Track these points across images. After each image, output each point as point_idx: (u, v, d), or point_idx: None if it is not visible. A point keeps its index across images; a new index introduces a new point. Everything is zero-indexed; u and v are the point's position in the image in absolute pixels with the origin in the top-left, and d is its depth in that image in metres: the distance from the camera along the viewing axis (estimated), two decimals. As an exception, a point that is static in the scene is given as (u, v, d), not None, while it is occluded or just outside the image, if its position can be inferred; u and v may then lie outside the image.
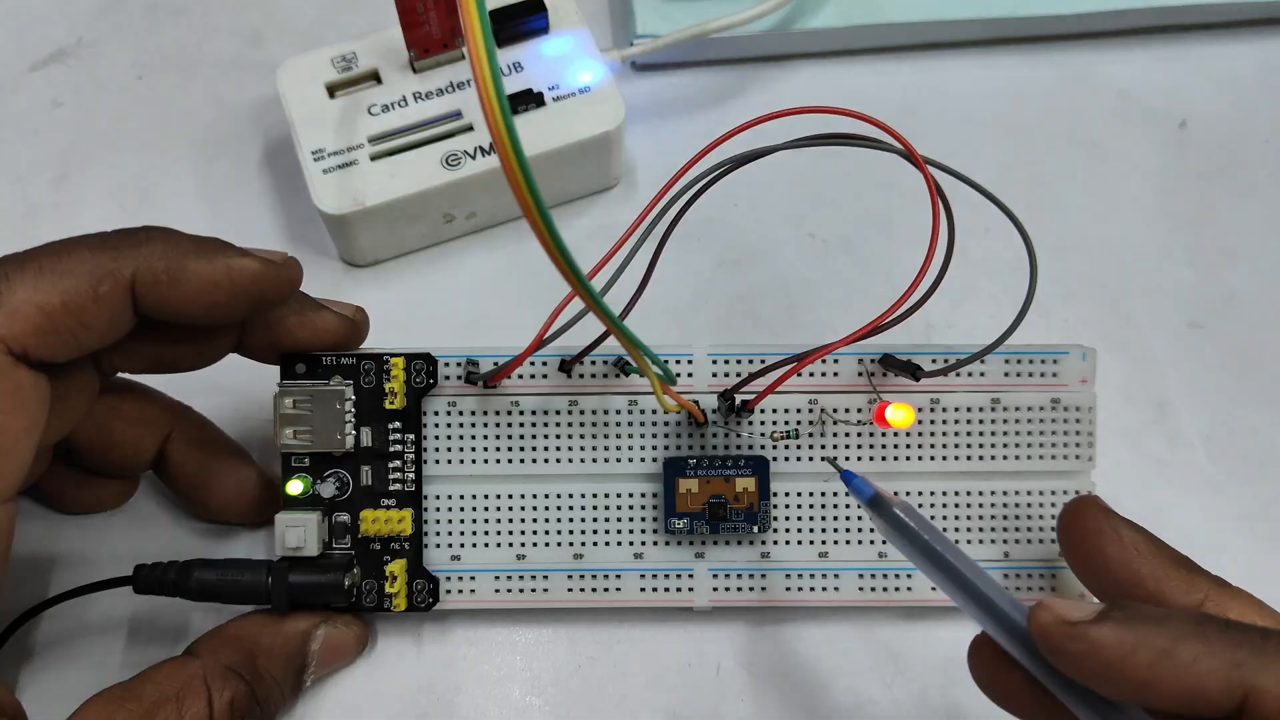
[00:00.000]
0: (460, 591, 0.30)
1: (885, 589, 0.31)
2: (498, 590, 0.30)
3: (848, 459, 0.31)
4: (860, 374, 0.30)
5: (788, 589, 0.30)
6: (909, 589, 0.31)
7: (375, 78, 0.36)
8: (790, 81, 0.41)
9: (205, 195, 0.39)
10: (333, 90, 0.36)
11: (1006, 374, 0.31)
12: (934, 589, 0.29)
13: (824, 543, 0.31)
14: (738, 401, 0.30)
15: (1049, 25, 0.41)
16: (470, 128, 0.35)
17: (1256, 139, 0.39)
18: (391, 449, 0.30)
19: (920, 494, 0.31)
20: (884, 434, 0.31)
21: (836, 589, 0.31)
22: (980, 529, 0.31)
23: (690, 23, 0.39)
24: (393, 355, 0.30)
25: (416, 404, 0.30)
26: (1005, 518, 0.31)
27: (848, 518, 0.31)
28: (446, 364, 0.31)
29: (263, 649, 0.29)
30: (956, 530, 0.31)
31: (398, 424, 0.30)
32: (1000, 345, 0.28)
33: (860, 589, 0.31)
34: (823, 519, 0.31)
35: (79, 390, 0.28)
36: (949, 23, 0.40)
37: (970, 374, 0.30)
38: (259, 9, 0.42)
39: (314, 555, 0.30)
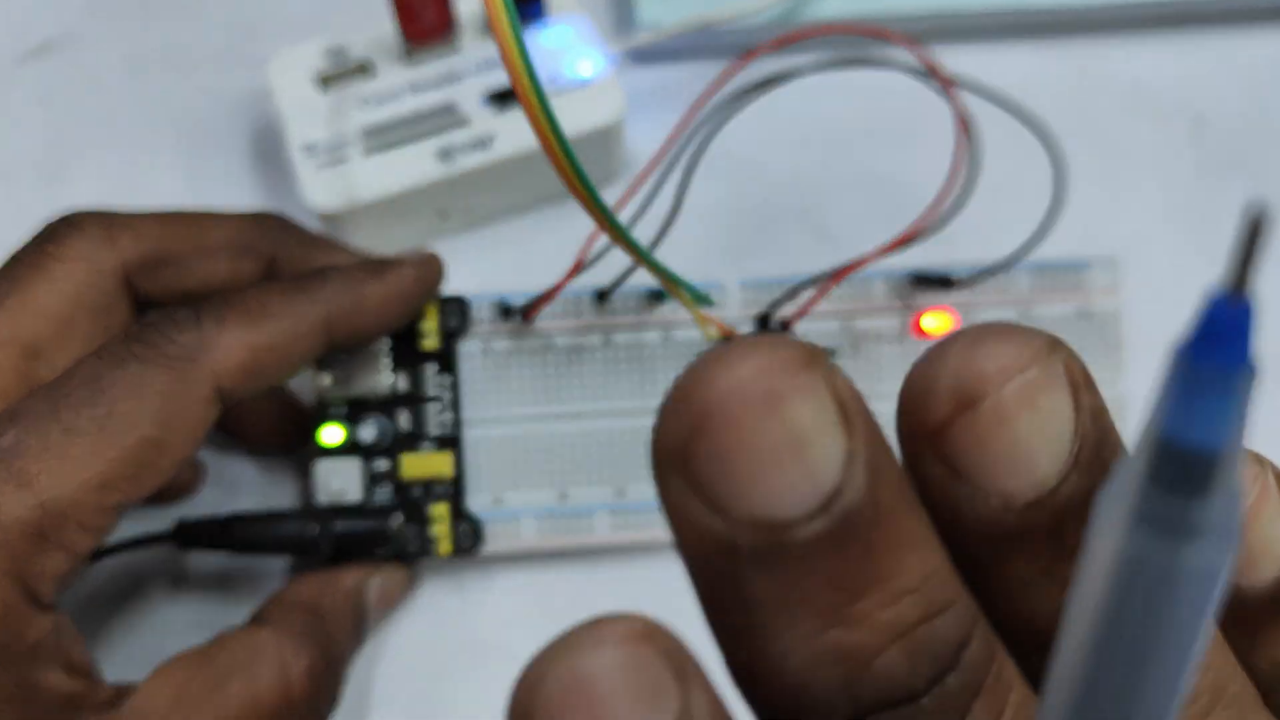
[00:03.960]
0: (504, 536, 0.30)
1: None
2: (541, 532, 0.30)
3: (882, 380, 0.30)
4: (897, 307, 0.31)
5: None
6: None
7: (369, 70, 0.36)
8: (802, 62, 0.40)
9: (195, 190, 0.38)
10: (325, 83, 0.35)
11: (1033, 288, 0.31)
12: None
13: None
14: (774, 322, 0.30)
15: (1059, 17, 0.40)
16: (466, 121, 0.35)
17: (1274, 134, 0.39)
18: (429, 393, 0.31)
19: None
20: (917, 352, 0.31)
21: None
22: None
23: (694, 12, 0.38)
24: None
25: (451, 346, 0.31)
26: None
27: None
28: (479, 308, 0.31)
29: (326, 610, 0.29)
30: None
31: (434, 366, 0.31)
32: (1030, 253, 0.29)
33: None
34: None
35: None
36: (958, 14, 0.39)
37: (998, 290, 0.31)
38: (250, 2, 0.41)
39: (356, 502, 0.30)
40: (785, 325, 0.30)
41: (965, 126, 0.27)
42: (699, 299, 0.28)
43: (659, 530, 0.30)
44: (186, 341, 0.25)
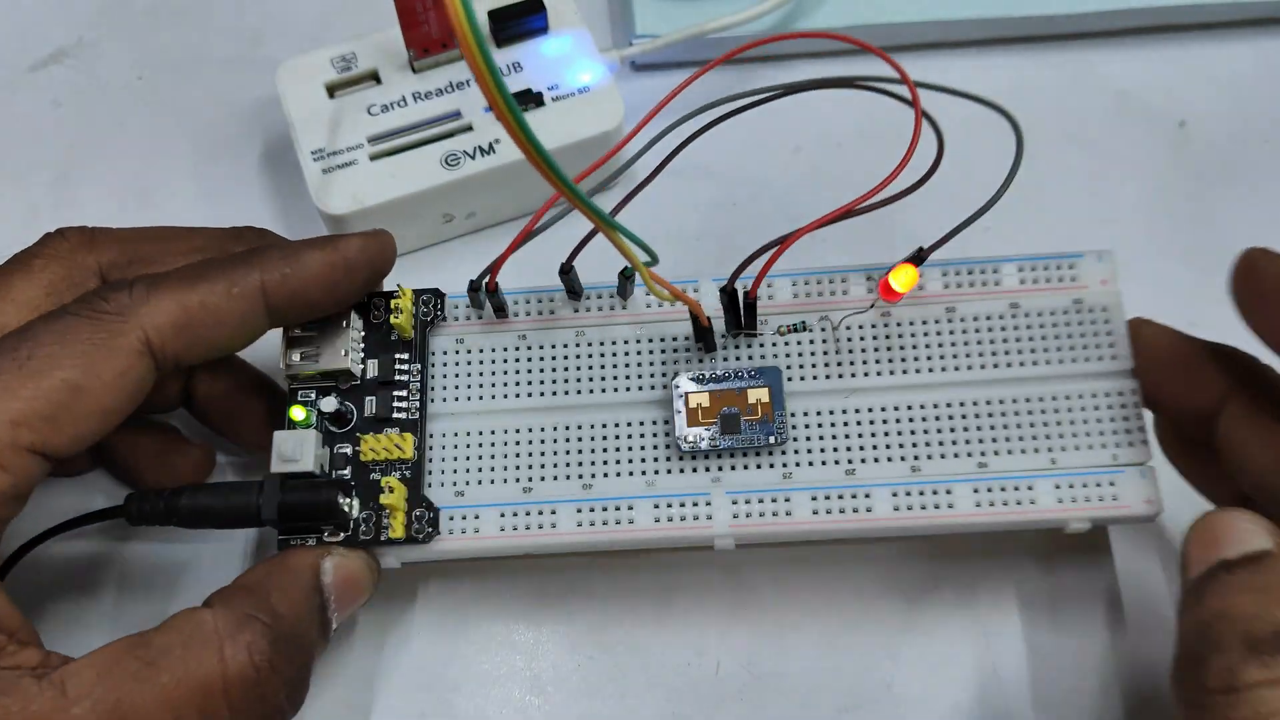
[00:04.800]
0: (464, 531, 0.29)
1: (924, 506, 0.29)
2: (503, 529, 0.29)
3: (866, 373, 0.30)
4: (870, 290, 0.30)
5: (814, 512, 0.29)
6: (950, 505, 0.29)
7: (375, 78, 0.36)
8: (789, 81, 0.40)
9: (205, 195, 0.39)
10: (332, 90, 0.36)
11: (1022, 280, 0.30)
12: (978, 504, 0.28)
13: (850, 461, 0.29)
14: (740, 293, 0.29)
15: (1047, 25, 0.41)
16: (470, 127, 0.35)
17: (1256, 139, 0.39)
18: (397, 378, 0.30)
19: (949, 405, 0.29)
20: (901, 345, 0.30)
21: (869, 509, 0.29)
22: (1019, 437, 0.29)
23: (690, 23, 0.39)
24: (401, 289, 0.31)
25: (423, 336, 0.31)
26: (1046, 424, 0.29)
27: (873, 434, 0.29)
28: (455, 305, 0.31)
29: (275, 588, 0.28)
30: (994, 441, 0.29)
31: (405, 355, 0.30)
32: (997, 202, 0.28)
33: (895, 508, 0.29)
34: (846, 436, 0.29)
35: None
36: (947, 22, 0.40)
37: (985, 283, 0.30)
38: (259, 9, 0.42)
39: (308, 471, 0.29)
40: (748, 296, 0.29)
41: (921, 122, 0.27)
42: (649, 258, 0.27)
43: (627, 528, 0.29)
44: (118, 299, 0.26)
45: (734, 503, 0.29)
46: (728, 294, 0.29)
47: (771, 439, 0.29)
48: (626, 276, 0.30)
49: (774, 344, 0.30)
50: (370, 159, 0.35)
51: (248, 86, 0.40)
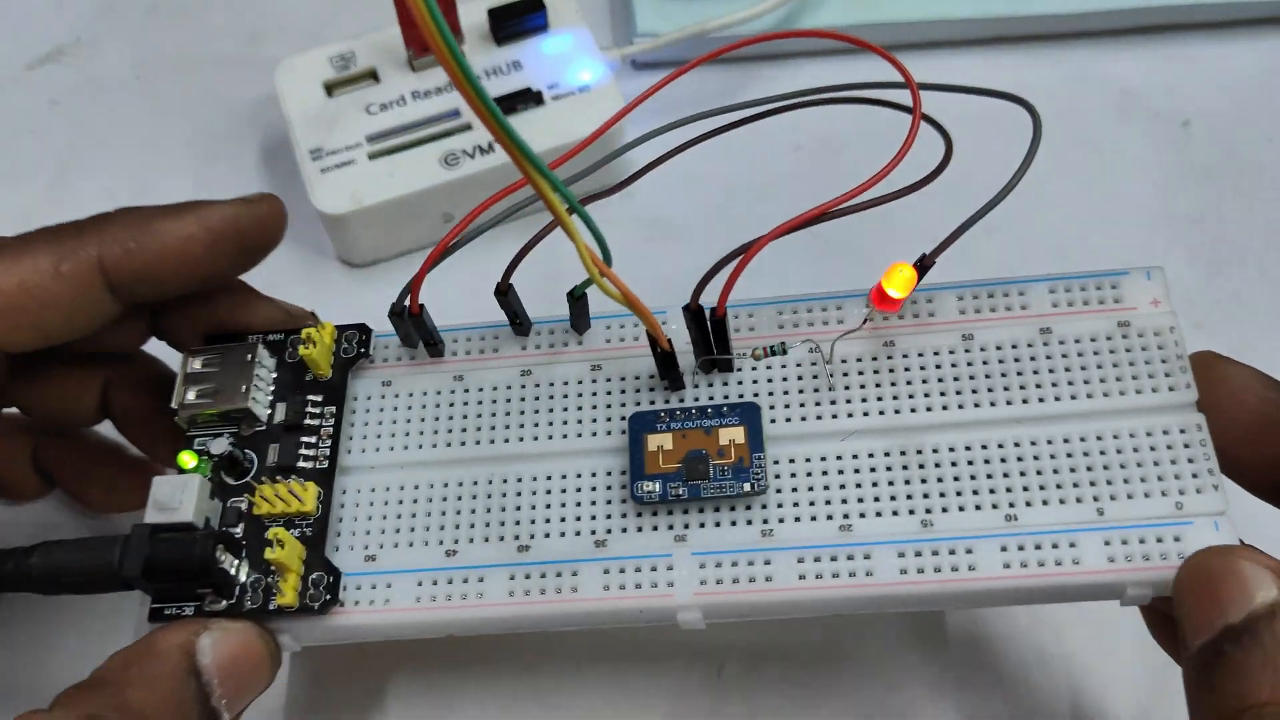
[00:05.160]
0: (371, 602, 0.24)
1: (938, 568, 0.23)
2: (419, 599, 0.24)
3: (866, 413, 0.25)
4: (867, 319, 0.26)
5: (800, 577, 0.24)
6: (970, 567, 0.23)
7: (373, 76, 0.36)
8: (792, 80, 0.40)
9: (203, 194, 0.38)
10: (331, 89, 0.36)
11: (1055, 304, 0.26)
12: (1007, 565, 0.23)
13: (845, 515, 0.24)
14: (705, 312, 0.25)
15: (1051, 24, 0.40)
16: (469, 126, 0.35)
17: (1260, 138, 0.39)
18: (307, 421, 0.26)
19: (968, 448, 0.25)
20: (908, 380, 0.25)
21: (869, 573, 0.23)
22: (1057, 485, 0.24)
23: (691, 21, 0.38)
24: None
25: (343, 376, 0.27)
26: (1089, 468, 0.24)
27: (874, 484, 0.24)
28: (386, 345, 0.27)
29: (134, 679, 0.22)
30: (1025, 490, 0.24)
31: (319, 396, 0.26)
32: (1010, 191, 0.25)
33: (903, 571, 0.23)
34: (841, 486, 0.25)
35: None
36: (950, 21, 0.40)
37: (1009, 307, 0.26)
38: (257, 8, 0.42)
39: (190, 523, 0.24)
40: (715, 312, 0.25)
41: (919, 125, 0.25)
42: (601, 249, 0.23)
43: (569, 596, 0.24)
44: None
45: (701, 566, 0.24)
46: (692, 313, 0.25)
47: (748, 486, 0.24)
48: (577, 297, 0.26)
49: (753, 379, 0.26)
50: (369, 158, 0.35)
51: (246, 85, 0.40)
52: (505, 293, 0.26)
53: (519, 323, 0.27)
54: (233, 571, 0.24)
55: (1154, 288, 0.26)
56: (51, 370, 0.28)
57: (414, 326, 0.26)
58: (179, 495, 0.24)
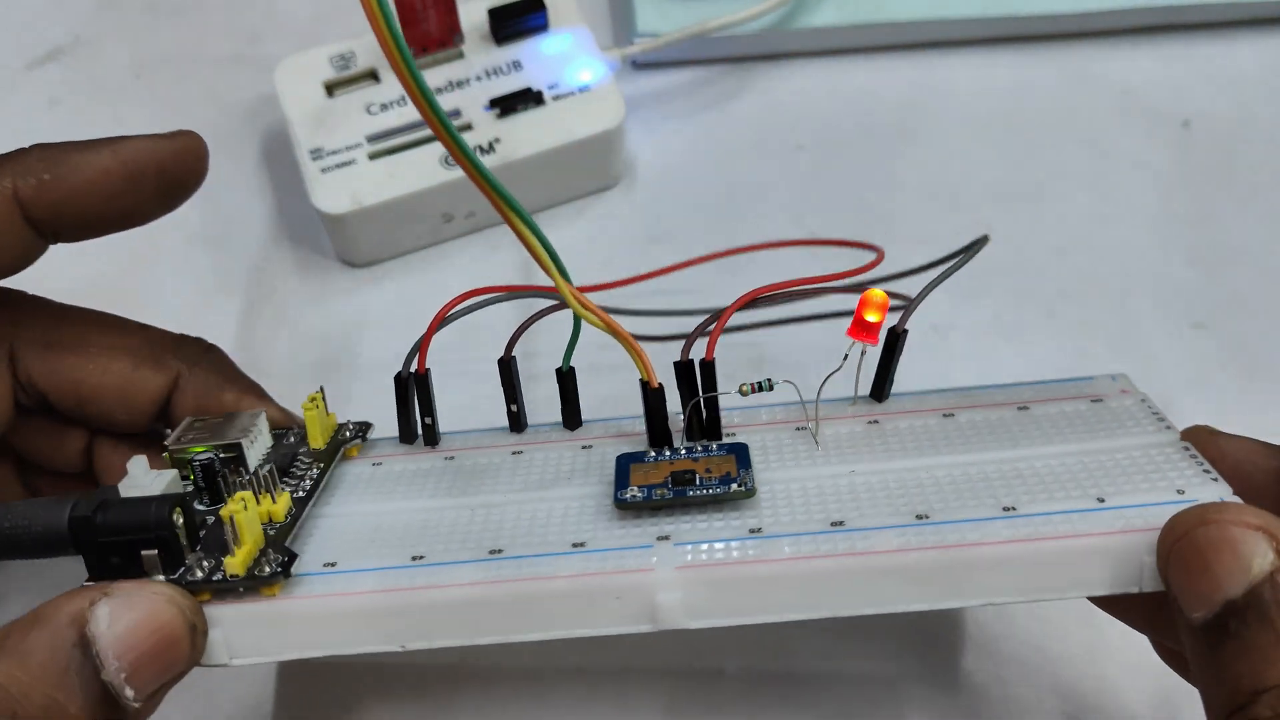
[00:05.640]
0: (325, 590, 0.22)
1: (937, 541, 0.22)
2: (378, 585, 0.22)
3: (853, 468, 0.24)
4: (847, 355, 0.25)
5: (790, 548, 0.22)
6: (969, 537, 0.22)
7: (373, 76, 0.36)
8: (791, 80, 0.40)
9: (202, 194, 0.38)
10: (331, 89, 0.36)
11: (1030, 396, 0.26)
12: (1011, 536, 0.21)
13: (839, 514, 0.23)
14: (695, 361, 0.24)
15: (1051, 24, 0.40)
16: (469, 126, 0.35)
17: (1260, 138, 0.39)
18: (292, 468, 0.26)
19: (965, 470, 0.24)
20: (897, 443, 0.25)
21: (864, 544, 0.22)
22: (1054, 485, 0.23)
23: (691, 21, 0.38)
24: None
25: (334, 451, 0.26)
26: (1086, 473, 0.23)
27: (868, 491, 0.24)
28: (381, 442, 0.27)
29: (9, 652, 0.20)
30: (1025, 492, 0.23)
31: (309, 458, 0.26)
32: (947, 277, 0.25)
33: (900, 539, 0.22)
34: (835, 496, 0.23)
35: None
36: (950, 21, 0.40)
37: (987, 402, 0.26)
38: (256, 8, 0.42)
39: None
40: (705, 361, 0.24)
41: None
42: (561, 272, 0.23)
43: (540, 583, 0.22)
44: None
45: (687, 555, 0.22)
46: (682, 367, 0.24)
47: (736, 487, 0.23)
48: (565, 374, 0.26)
49: (741, 441, 0.25)
50: (369, 158, 0.35)
51: (245, 85, 0.40)
52: (508, 363, 0.26)
53: (515, 409, 0.27)
54: (183, 544, 0.22)
55: (1119, 385, 0.26)
56: (40, 422, 0.28)
57: (416, 390, 0.26)
58: (153, 479, 0.23)
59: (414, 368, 0.26)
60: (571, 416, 0.27)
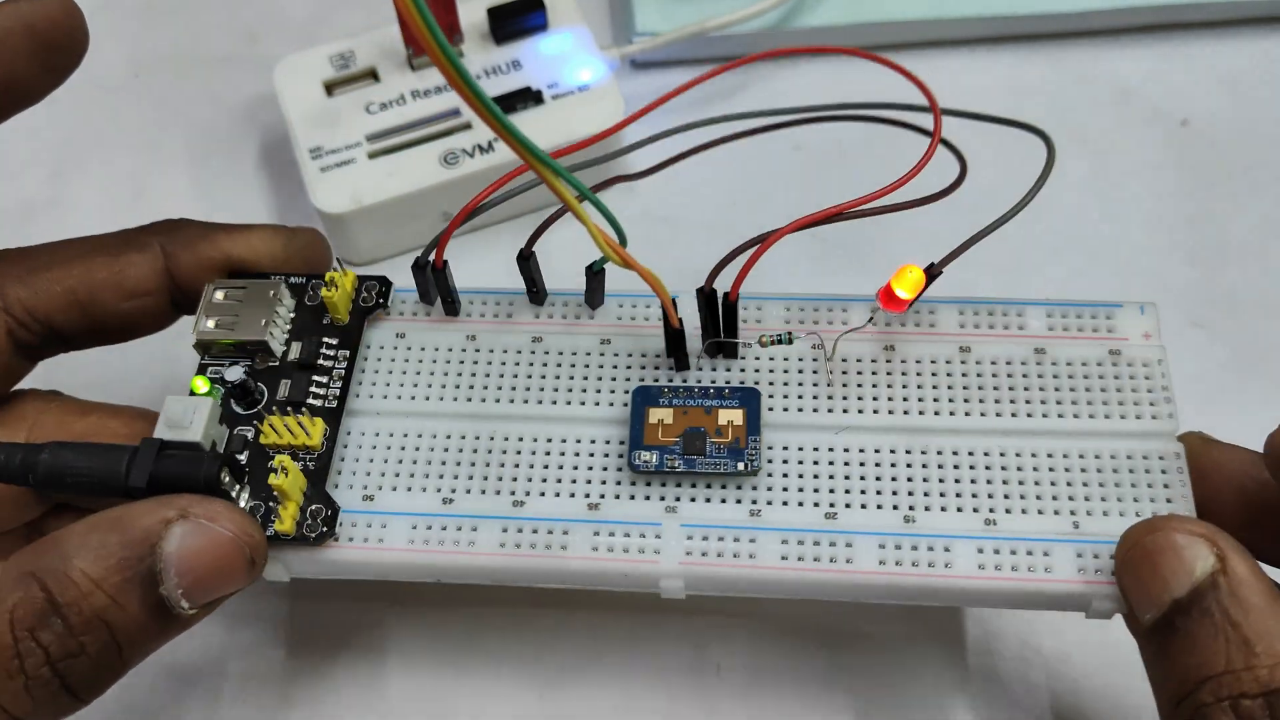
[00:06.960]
0: (365, 540, 0.25)
1: (915, 563, 0.25)
2: (412, 541, 0.25)
3: (861, 410, 0.26)
4: (871, 320, 0.27)
5: (783, 558, 0.25)
6: (946, 564, 0.25)
7: (373, 76, 0.36)
8: (791, 79, 0.40)
9: (201, 193, 0.38)
10: (330, 88, 0.36)
11: (1051, 327, 0.27)
12: (982, 566, 0.24)
13: (832, 505, 0.26)
14: (719, 295, 0.26)
15: (1050, 23, 0.40)
16: (469, 125, 0.35)
17: (1259, 137, 0.39)
18: (320, 362, 0.27)
19: (955, 453, 0.26)
20: (904, 384, 0.27)
21: (849, 560, 0.25)
22: (1037, 495, 0.25)
23: (690, 20, 0.38)
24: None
25: (359, 323, 0.28)
26: (1069, 483, 0.25)
27: (862, 477, 0.26)
28: (404, 300, 0.28)
29: (84, 547, 0.22)
30: (1006, 497, 0.25)
31: (334, 340, 0.27)
32: (1020, 210, 0.26)
33: (881, 562, 0.25)
34: (830, 477, 0.26)
35: None
36: (949, 20, 0.40)
37: (1006, 326, 0.27)
38: (256, 6, 0.42)
39: (197, 443, 0.24)
40: (728, 298, 0.26)
41: (936, 147, 0.26)
42: (616, 230, 0.25)
43: (559, 553, 0.25)
44: None
45: (689, 538, 0.25)
46: (705, 295, 0.26)
47: (741, 466, 0.26)
48: (595, 272, 0.27)
49: (755, 368, 0.27)
50: (369, 157, 0.35)
51: (245, 84, 0.40)
52: (528, 259, 0.27)
53: (535, 290, 0.28)
54: (232, 494, 0.25)
55: (1146, 322, 0.27)
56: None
57: (434, 281, 0.27)
58: (190, 415, 0.25)
59: (432, 258, 0.27)
60: (595, 298, 0.28)
